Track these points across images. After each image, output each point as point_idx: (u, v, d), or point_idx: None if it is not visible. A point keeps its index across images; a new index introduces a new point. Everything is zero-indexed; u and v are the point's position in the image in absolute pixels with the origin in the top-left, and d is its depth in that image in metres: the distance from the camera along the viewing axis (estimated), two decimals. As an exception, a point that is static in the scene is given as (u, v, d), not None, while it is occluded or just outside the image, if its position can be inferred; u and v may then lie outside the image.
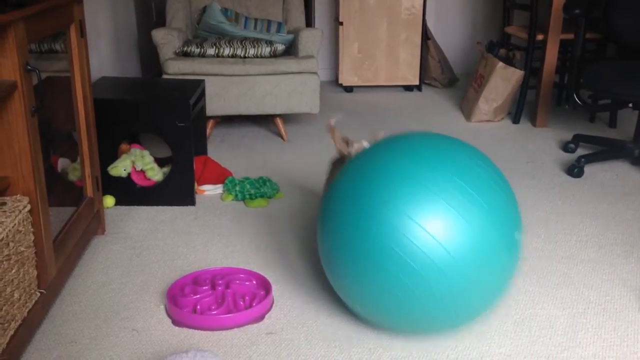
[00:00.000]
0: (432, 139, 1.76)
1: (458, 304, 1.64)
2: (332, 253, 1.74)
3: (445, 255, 1.58)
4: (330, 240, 1.74)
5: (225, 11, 3.79)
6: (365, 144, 2.05)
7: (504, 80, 3.82)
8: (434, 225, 1.58)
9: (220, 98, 3.40)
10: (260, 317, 1.92)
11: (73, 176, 2.23)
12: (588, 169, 3.13)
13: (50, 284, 1.87)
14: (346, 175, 1.77)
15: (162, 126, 2.62)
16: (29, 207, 1.72)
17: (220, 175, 2.91)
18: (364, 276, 1.66)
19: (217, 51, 3.44)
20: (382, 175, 1.66)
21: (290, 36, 3.68)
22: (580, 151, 3.37)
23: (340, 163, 2.19)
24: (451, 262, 1.58)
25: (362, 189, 1.68)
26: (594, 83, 3.09)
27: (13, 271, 1.62)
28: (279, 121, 3.56)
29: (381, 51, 4.57)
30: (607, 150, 3.28)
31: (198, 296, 1.96)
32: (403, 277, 1.60)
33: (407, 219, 1.59)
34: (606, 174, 3.11)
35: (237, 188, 2.76)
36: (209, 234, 2.46)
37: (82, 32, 2.16)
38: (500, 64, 3.79)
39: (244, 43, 3.48)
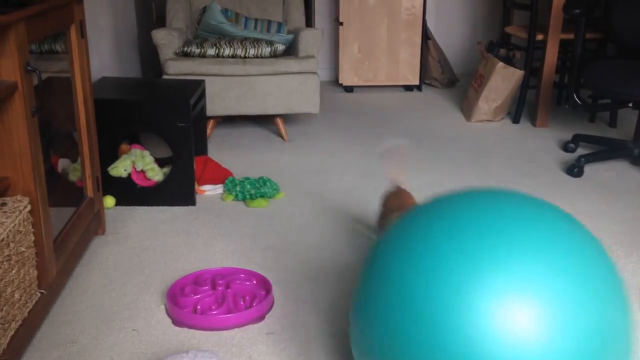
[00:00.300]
0: (518, 204, 1.30)
1: None
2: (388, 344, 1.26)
3: None
4: (389, 329, 1.26)
5: (225, 11, 3.79)
6: None
7: (504, 80, 3.82)
8: (531, 318, 1.15)
9: (221, 98, 3.41)
10: (261, 317, 1.92)
11: (73, 176, 2.23)
12: (588, 168, 3.13)
13: (51, 285, 1.87)
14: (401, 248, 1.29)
15: (162, 126, 2.63)
16: (29, 207, 1.72)
17: (221, 176, 2.91)
18: None
19: (217, 51, 3.44)
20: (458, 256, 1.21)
21: (291, 36, 3.68)
22: (580, 151, 3.37)
23: (395, 197, 1.80)
24: None
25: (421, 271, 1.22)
26: (594, 83, 3.09)
27: (13, 271, 1.62)
28: (279, 121, 3.56)
29: (381, 51, 4.57)
30: (607, 150, 3.28)
31: (198, 296, 1.96)
32: None
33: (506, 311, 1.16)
34: (606, 174, 3.11)
35: (238, 188, 2.76)
36: (209, 234, 2.46)
37: (82, 33, 2.16)
38: (500, 63, 3.79)
39: (244, 43, 3.48)
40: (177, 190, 2.69)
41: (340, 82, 4.62)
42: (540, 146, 3.51)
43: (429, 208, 1.34)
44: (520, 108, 3.90)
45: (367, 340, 1.30)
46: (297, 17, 3.94)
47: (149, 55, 4.16)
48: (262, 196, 2.74)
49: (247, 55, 3.46)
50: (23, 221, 1.68)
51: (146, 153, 2.72)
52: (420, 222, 1.31)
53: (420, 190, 2.90)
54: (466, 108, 4.08)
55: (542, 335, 1.14)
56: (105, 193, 2.57)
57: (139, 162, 2.67)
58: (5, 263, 1.57)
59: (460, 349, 1.16)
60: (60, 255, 1.94)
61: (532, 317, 1.15)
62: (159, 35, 3.42)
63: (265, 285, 2.04)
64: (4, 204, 1.67)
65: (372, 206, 2.73)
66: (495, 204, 1.29)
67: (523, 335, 1.14)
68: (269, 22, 3.82)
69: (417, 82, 4.64)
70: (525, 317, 1.15)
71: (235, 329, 1.87)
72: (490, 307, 1.15)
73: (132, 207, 2.67)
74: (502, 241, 1.20)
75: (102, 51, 3.38)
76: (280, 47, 3.51)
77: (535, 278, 1.17)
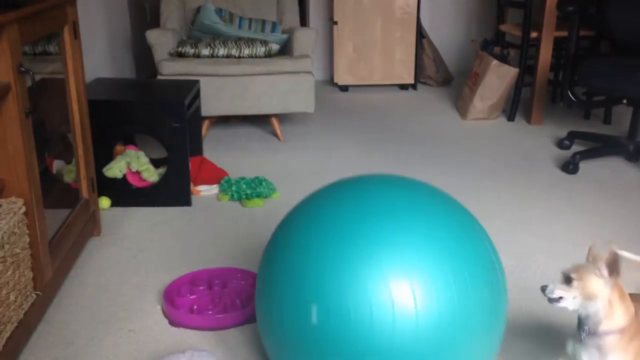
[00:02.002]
0: (398, 187, 1.49)
1: None
2: (274, 323, 1.43)
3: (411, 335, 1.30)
4: (286, 308, 1.40)
5: (219, 11, 3.79)
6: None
7: (498, 78, 3.83)
8: (412, 293, 1.30)
9: (216, 98, 3.40)
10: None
11: (68, 178, 2.22)
12: (583, 165, 3.14)
13: (47, 286, 1.86)
14: (293, 229, 1.46)
15: (157, 127, 2.62)
16: (23, 208, 1.71)
17: (216, 176, 2.91)
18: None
19: (211, 51, 3.43)
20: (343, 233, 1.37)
21: (285, 36, 3.68)
22: (575, 148, 3.38)
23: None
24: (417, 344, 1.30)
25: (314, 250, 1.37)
26: (588, 80, 3.10)
27: (8, 273, 1.62)
28: (274, 121, 3.56)
29: (376, 50, 4.57)
30: (602, 147, 3.29)
31: (195, 296, 1.96)
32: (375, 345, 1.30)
33: (388, 286, 1.30)
34: (601, 170, 3.12)
35: (234, 188, 2.76)
36: (205, 235, 2.45)
37: (75, 34, 2.15)
38: (495, 62, 3.80)
39: (239, 43, 3.47)
40: (172, 191, 2.68)
41: (335, 81, 4.63)
42: (535, 143, 3.51)
43: (323, 193, 1.52)
44: (515, 106, 3.91)
45: (268, 302, 1.46)
46: (291, 16, 3.94)
47: (143, 56, 4.16)
48: (258, 196, 2.74)
49: (241, 55, 3.46)
50: (18, 223, 1.67)
51: (141, 154, 2.71)
52: (316, 204, 1.49)
53: (416, 188, 2.90)
54: (461, 106, 4.08)
55: (418, 305, 1.29)
56: (100, 194, 2.57)
57: (134, 163, 2.66)
58: (0, 265, 1.56)
59: (348, 314, 1.31)
60: (55, 256, 1.94)
61: (410, 289, 1.30)
62: (153, 36, 3.41)
63: (261, 285, 2.04)
64: (-1, 205, 1.67)
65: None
66: (383, 190, 1.47)
67: (402, 304, 1.29)
68: (263, 21, 3.82)
69: (412, 81, 4.65)
70: (404, 288, 1.29)
71: (232, 328, 1.86)
72: (373, 279, 1.30)
73: (128, 208, 2.66)
74: (386, 224, 1.36)
75: (96, 52, 3.38)
76: (275, 47, 3.50)
77: (415, 256, 1.32)
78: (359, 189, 1.48)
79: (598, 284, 1.32)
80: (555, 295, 1.36)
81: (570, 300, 1.34)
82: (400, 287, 1.30)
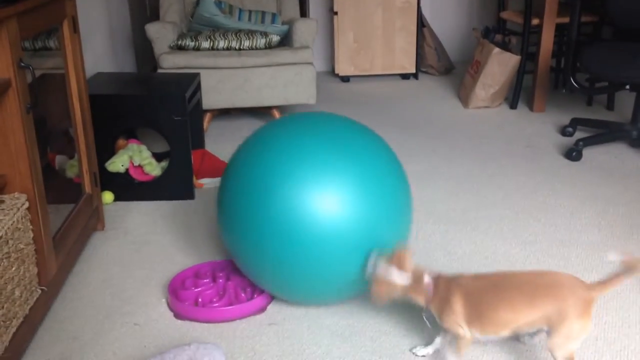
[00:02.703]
0: (327, 119, 1.89)
1: (341, 273, 1.75)
2: (231, 222, 1.83)
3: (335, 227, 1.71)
4: (229, 209, 1.83)
5: (219, 3, 3.77)
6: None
7: (500, 65, 3.81)
8: (324, 200, 1.70)
9: (216, 91, 3.40)
10: (262, 309, 1.92)
11: (71, 173, 2.22)
12: (586, 152, 3.12)
13: (51, 281, 1.87)
14: (247, 149, 1.87)
15: (158, 121, 2.62)
16: (27, 204, 1.71)
17: (219, 169, 2.90)
18: (261, 244, 1.75)
19: (211, 44, 3.42)
20: (281, 153, 1.76)
21: (285, 27, 3.66)
22: (579, 134, 3.37)
23: None
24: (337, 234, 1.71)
25: (261, 166, 1.77)
26: (590, 66, 3.08)
27: (13, 269, 1.62)
28: (275, 112, 3.55)
29: (377, 40, 4.55)
30: (605, 133, 3.28)
31: (199, 289, 1.96)
32: (306, 244, 1.71)
33: (317, 196, 1.70)
34: (605, 157, 3.11)
35: (236, 180, 2.75)
36: (208, 227, 2.46)
37: (75, 28, 2.15)
38: (497, 49, 3.78)
39: (239, 35, 3.46)
40: (175, 184, 2.68)
41: (336, 72, 4.61)
42: (538, 131, 3.50)
43: (275, 124, 1.90)
44: (517, 93, 3.89)
45: (227, 213, 1.85)
46: (291, 7, 3.92)
47: (144, 50, 4.15)
48: (260, 188, 2.73)
49: (241, 47, 3.45)
50: (21, 218, 1.67)
51: (143, 148, 2.71)
52: (270, 132, 1.86)
53: (420, 177, 2.90)
54: (463, 95, 4.06)
55: (344, 209, 1.71)
56: (103, 189, 2.57)
57: (137, 157, 2.66)
58: (4, 260, 1.57)
59: (286, 217, 1.70)
60: (59, 251, 1.94)
61: (337, 195, 1.71)
62: (153, 29, 3.40)
63: (265, 277, 2.04)
64: (2, 201, 1.67)
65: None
66: (315, 122, 1.86)
67: (330, 208, 1.70)
68: (263, 13, 3.80)
69: (413, 70, 4.63)
70: (333, 196, 1.71)
71: (237, 320, 1.87)
72: (307, 188, 1.70)
73: (131, 202, 2.66)
74: (321, 147, 1.76)
75: (96, 46, 3.37)
76: (275, 38, 3.49)
77: (341, 170, 1.73)
78: (303, 122, 1.87)
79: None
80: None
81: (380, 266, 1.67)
82: (327, 191, 1.71)
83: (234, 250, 1.86)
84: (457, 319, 1.57)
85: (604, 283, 1.50)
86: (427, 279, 1.62)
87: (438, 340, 1.70)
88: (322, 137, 1.79)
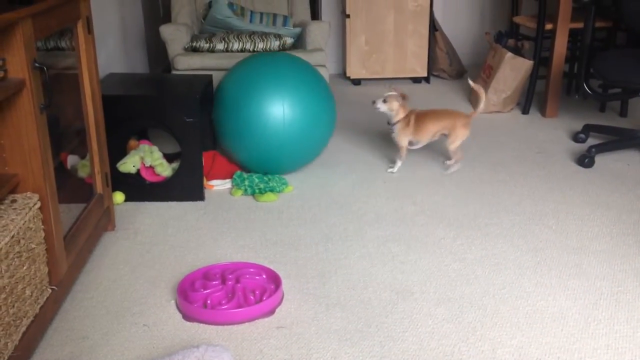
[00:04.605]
0: (284, 59, 2.93)
1: (293, 152, 2.84)
2: (224, 123, 2.85)
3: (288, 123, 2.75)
4: (223, 115, 2.85)
5: (231, 5, 3.78)
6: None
7: (512, 70, 3.79)
8: (282, 106, 2.74)
9: (228, 93, 3.40)
10: (271, 312, 1.92)
11: (83, 173, 2.23)
12: (599, 159, 3.10)
13: (62, 281, 1.88)
14: (236, 74, 2.89)
15: (170, 122, 2.63)
16: (39, 204, 1.72)
17: (229, 170, 2.91)
18: (246, 136, 2.78)
19: (226, 46, 3.43)
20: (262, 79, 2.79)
21: (298, 29, 3.66)
22: (591, 141, 3.34)
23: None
24: (289, 126, 2.76)
25: (247, 84, 2.80)
26: (604, 72, 3.06)
27: (24, 268, 1.63)
28: (287, 115, 3.54)
29: (389, 43, 4.55)
30: (618, 140, 3.25)
31: (208, 291, 1.96)
32: (264, 134, 2.76)
33: (270, 103, 2.73)
34: (617, 164, 3.09)
35: (247, 183, 2.76)
36: (218, 229, 2.46)
37: (89, 29, 2.16)
38: (509, 54, 3.76)
39: (253, 37, 3.47)
40: (186, 186, 2.69)
41: (347, 75, 4.61)
42: (550, 137, 3.48)
43: (247, 60, 2.96)
44: (529, 98, 3.87)
45: (220, 119, 2.90)
46: (302, 10, 3.92)
47: (156, 51, 4.16)
48: (271, 190, 2.74)
49: (255, 49, 3.45)
50: (33, 218, 1.68)
51: (155, 149, 2.72)
52: (249, 64, 2.93)
53: (430, 182, 2.89)
54: (475, 99, 4.05)
55: (287, 113, 2.74)
56: (114, 189, 2.58)
57: (148, 158, 2.67)
58: (16, 260, 1.57)
59: (251, 122, 2.76)
60: (70, 251, 1.95)
61: (283, 105, 2.74)
62: (168, 31, 3.41)
63: (275, 280, 2.04)
64: (14, 200, 1.68)
65: (379, 199, 2.72)
66: (272, 57, 2.98)
67: (277, 114, 2.74)
68: (275, 15, 3.81)
69: (425, 74, 4.62)
70: (279, 105, 2.74)
71: (246, 323, 1.87)
72: (264, 100, 2.74)
73: (142, 203, 2.67)
74: (279, 74, 2.83)
75: (109, 47, 3.38)
76: (289, 41, 3.49)
77: (286, 85, 2.78)
78: (269, 60, 2.93)
79: (396, 103, 2.92)
80: (379, 107, 2.93)
81: (383, 108, 2.93)
82: (277, 102, 2.75)
83: (222, 136, 2.90)
84: (408, 132, 2.95)
85: (472, 112, 3.04)
86: (404, 109, 2.97)
87: (398, 162, 3.01)
88: (278, 69, 2.84)
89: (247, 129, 2.73)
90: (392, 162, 3.05)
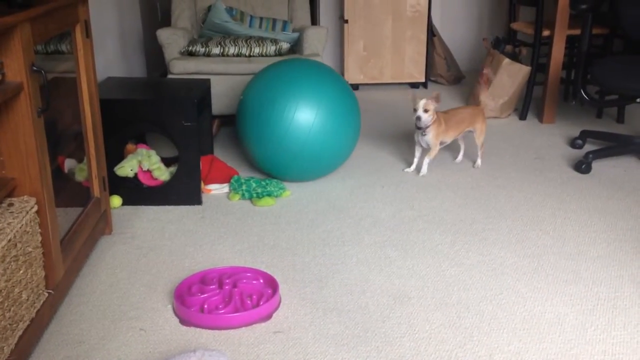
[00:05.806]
0: (313, 67, 2.93)
1: (318, 160, 2.84)
2: (248, 131, 2.85)
3: (313, 132, 2.75)
4: (247, 123, 2.85)
5: (230, 10, 3.79)
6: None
7: (510, 76, 3.80)
8: (305, 115, 2.74)
9: (226, 97, 3.40)
10: (268, 316, 1.91)
11: (80, 177, 2.23)
12: (596, 165, 3.11)
13: (58, 285, 1.87)
14: (259, 83, 2.88)
15: (168, 126, 2.63)
16: (36, 207, 1.72)
17: (227, 175, 2.91)
18: (268, 142, 2.79)
19: (222, 50, 3.43)
20: (284, 87, 2.78)
21: (296, 34, 3.67)
22: (588, 147, 3.35)
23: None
24: (314, 135, 2.76)
25: (270, 93, 2.78)
26: (601, 78, 3.07)
27: (21, 272, 1.62)
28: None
29: (387, 49, 4.56)
30: (615, 146, 3.26)
31: (205, 295, 1.96)
32: (288, 143, 2.76)
33: (294, 113, 2.72)
34: (614, 170, 3.09)
35: (244, 187, 2.76)
36: (215, 233, 2.46)
37: (87, 33, 2.16)
38: (507, 60, 3.78)
39: (249, 42, 3.47)
40: (183, 190, 2.69)
41: (345, 80, 4.61)
42: (547, 143, 3.49)
43: (271, 68, 2.94)
44: (527, 104, 3.88)
45: (243, 123, 2.90)
46: (302, 15, 3.93)
47: (155, 55, 4.16)
48: (269, 195, 2.74)
49: (252, 54, 3.45)
50: (30, 221, 1.68)
51: (152, 152, 2.72)
52: (267, 72, 2.93)
53: (428, 187, 2.89)
54: (475, 99, 4.05)
55: (318, 121, 2.74)
56: (111, 193, 2.58)
57: (145, 162, 2.67)
58: (12, 263, 1.57)
59: (277, 131, 2.75)
60: (67, 255, 1.94)
61: (313, 113, 2.74)
62: (164, 35, 3.42)
63: (272, 284, 2.04)
64: (11, 204, 1.68)
65: (377, 204, 2.72)
66: (300, 65, 2.94)
67: (308, 122, 2.74)
68: (274, 20, 3.81)
69: (422, 79, 4.63)
70: (309, 114, 2.74)
71: (243, 328, 1.86)
72: (293, 110, 2.74)
73: (139, 207, 2.67)
74: (308, 80, 2.83)
75: (107, 51, 3.39)
76: (285, 46, 3.50)
77: (317, 96, 2.77)
78: (298, 65, 2.94)
79: (433, 108, 2.90)
80: (423, 120, 2.90)
81: (428, 120, 2.91)
82: (309, 109, 2.74)
83: (247, 145, 2.91)
84: (441, 133, 2.97)
85: (481, 105, 3.29)
86: (435, 111, 2.95)
87: (415, 161, 3.07)
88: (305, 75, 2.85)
89: (271, 132, 2.74)
90: (409, 163, 3.11)
